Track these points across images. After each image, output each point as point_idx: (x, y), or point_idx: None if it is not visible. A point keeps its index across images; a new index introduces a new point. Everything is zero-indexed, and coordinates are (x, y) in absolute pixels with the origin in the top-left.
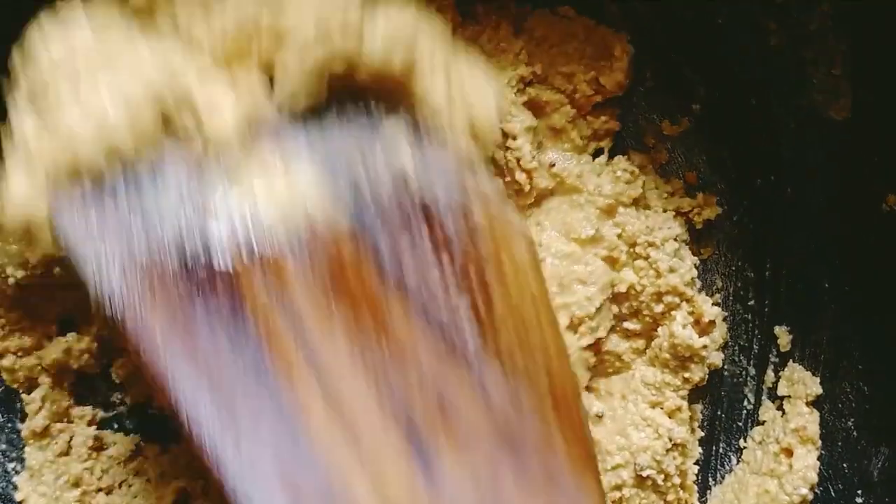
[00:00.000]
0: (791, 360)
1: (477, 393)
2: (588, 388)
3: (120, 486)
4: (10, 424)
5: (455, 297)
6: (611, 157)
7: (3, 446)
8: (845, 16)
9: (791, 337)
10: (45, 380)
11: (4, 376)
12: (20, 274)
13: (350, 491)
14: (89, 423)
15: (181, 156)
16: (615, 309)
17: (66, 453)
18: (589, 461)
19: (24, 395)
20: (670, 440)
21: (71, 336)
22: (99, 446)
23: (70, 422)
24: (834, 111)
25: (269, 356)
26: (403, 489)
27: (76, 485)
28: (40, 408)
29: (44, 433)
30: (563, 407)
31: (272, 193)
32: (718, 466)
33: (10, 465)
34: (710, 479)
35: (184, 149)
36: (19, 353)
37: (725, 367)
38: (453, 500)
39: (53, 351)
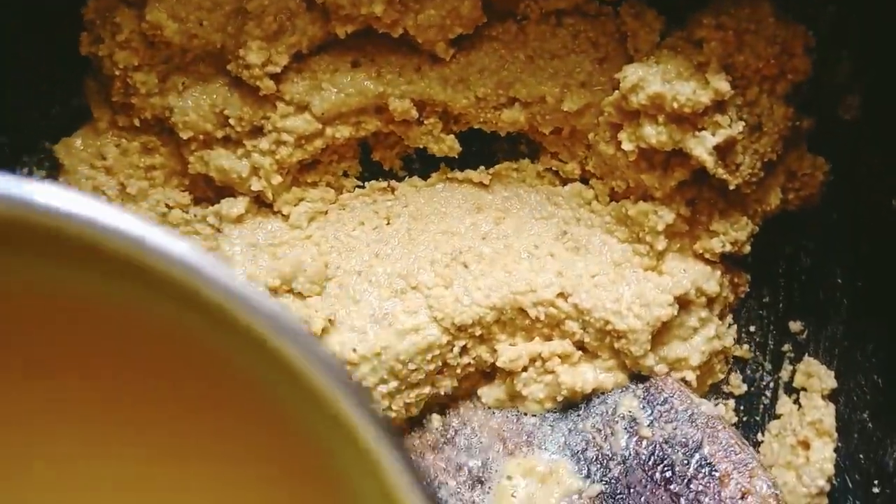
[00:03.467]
0: (806, 354)
1: None
2: None
3: None
4: None
5: None
6: None
7: None
8: (852, 17)
9: (806, 331)
10: None
11: None
12: None
13: None
14: None
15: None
16: None
17: None
18: None
19: None
20: None
21: None
22: None
23: None
24: (843, 111)
25: None
26: None
27: None
28: None
29: None
30: None
31: (539, 494)
32: None
33: None
34: None
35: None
36: None
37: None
38: None
39: None
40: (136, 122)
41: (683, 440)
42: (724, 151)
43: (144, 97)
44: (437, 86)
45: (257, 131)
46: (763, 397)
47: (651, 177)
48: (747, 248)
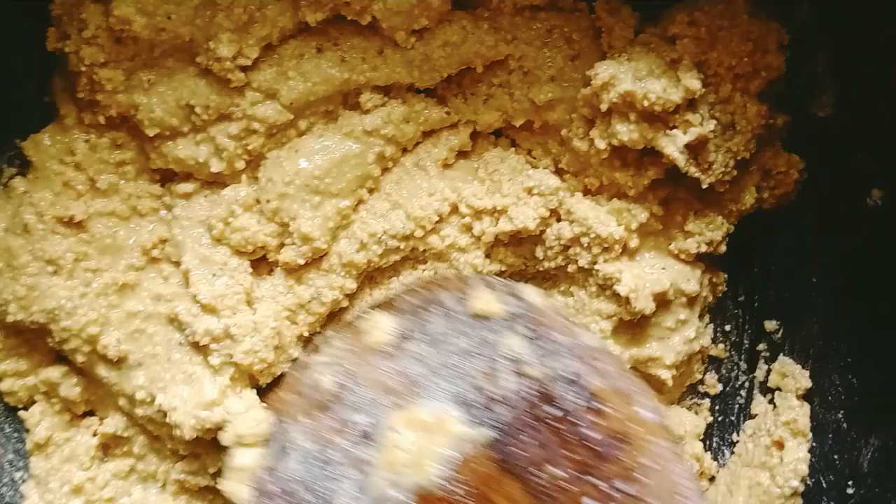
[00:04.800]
0: (781, 354)
1: None
2: None
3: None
4: (16, 434)
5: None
6: None
7: (11, 456)
8: (826, 14)
9: (781, 330)
10: (40, 398)
11: (5, 397)
12: (21, 316)
13: None
14: (94, 434)
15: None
16: None
17: (70, 461)
18: None
19: (21, 413)
20: None
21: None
22: (102, 456)
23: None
24: (817, 108)
25: None
26: None
27: (78, 492)
28: (39, 421)
29: (46, 443)
30: None
31: (426, 444)
32: (712, 460)
33: (17, 475)
34: None
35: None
36: (16, 376)
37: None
38: None
39: (47, 374)
40: (102, 120)
41: (566, 374)
42: (695, 150)
43: (110, 94)
44: (401, 69)
45: (224, 118)
46: (738, 397)
47: (624, 175)
48: (723, 248)
